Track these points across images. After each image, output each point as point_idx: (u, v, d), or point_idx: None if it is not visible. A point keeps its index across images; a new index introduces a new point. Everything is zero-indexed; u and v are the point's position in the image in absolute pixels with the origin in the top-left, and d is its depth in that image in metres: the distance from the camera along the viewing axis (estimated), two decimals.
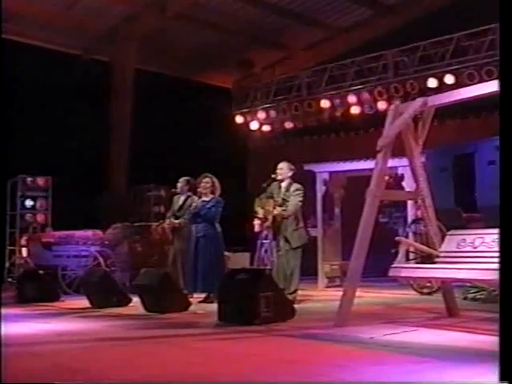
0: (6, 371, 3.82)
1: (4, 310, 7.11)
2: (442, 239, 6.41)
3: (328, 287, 11.03)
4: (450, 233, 6.45)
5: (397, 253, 8.83)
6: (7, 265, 12.10)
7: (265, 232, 8.74)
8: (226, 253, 9.53)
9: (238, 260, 10.73)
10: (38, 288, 9.13)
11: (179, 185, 9.35)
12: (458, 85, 10.31)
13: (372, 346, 4.99)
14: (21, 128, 11.71)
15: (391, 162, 6.77)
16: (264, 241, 9.10)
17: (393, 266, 6.53)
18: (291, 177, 8.37)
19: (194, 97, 14.11)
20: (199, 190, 8.90)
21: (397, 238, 7.84)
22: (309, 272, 10.39)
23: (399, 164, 8.86)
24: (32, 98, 12.38)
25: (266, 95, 14.11)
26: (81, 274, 10.00)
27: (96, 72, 13.12)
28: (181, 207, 9.23)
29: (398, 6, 13.76)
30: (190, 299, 8.10)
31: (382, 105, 12.02)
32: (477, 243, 5.87)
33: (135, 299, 8.13)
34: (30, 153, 12.04)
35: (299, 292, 8.34)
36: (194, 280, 8.55)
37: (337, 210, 11.77)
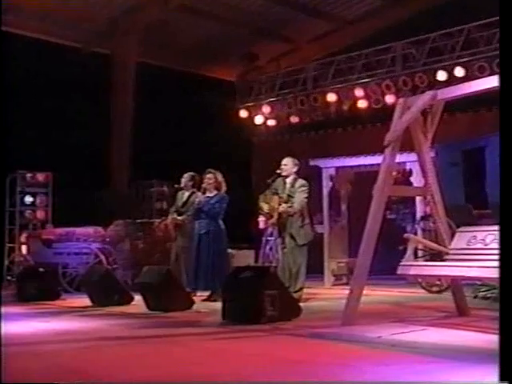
0: (5, 371, 3.79)
1: (4, 309, 7.05)
2: (452, 236, 6.31)
3: (334, 285, 10.99)
4: (459, 230, 6.35)
5: (405, 250, 8.78)
6: (6, 262, 12.03)
7: (270, 229, 8.74)
8: (231, 250, 9.51)
9: (243, 257, 10.68)
10: (38, 286, 9.07)
11: (183, 180, 9.29)
12: (468, 78, 10.21)
13: (380, 346, 4.93)
14: (20, 122, 11.64)
15: (399, 157, 6.71)
16: (269, 238, 9.12)
17: (401, 263, 6.47)
18: (296, 172, 8.31)
19: (197, 91, 14.04)
20: (203, 185, 8.87)
21: (405, 235, 7.74)
22: (315, 270, 10.32)
23: (407, 159, 8.84)
24: (31, 92, 12.29)
25: (271, 89, 14.02)
26: (82, 271, 9.97)
27: (97, 65, 13.04)
28: (185, 203, 9.18)
29: None
30: (194, 298, 8.05)
31: (389, 98, 11.93)
32: (488, 240, 5.73)
33: (137, 298, 8.09)
34: (29, 148, 11.93)
35: (305, 290, 8.29)
36: (195, 278, 8.51)
37: (343, 207, 11.68)
